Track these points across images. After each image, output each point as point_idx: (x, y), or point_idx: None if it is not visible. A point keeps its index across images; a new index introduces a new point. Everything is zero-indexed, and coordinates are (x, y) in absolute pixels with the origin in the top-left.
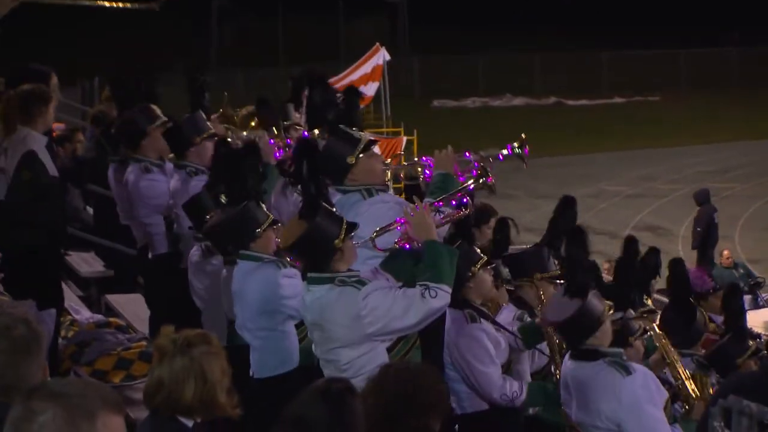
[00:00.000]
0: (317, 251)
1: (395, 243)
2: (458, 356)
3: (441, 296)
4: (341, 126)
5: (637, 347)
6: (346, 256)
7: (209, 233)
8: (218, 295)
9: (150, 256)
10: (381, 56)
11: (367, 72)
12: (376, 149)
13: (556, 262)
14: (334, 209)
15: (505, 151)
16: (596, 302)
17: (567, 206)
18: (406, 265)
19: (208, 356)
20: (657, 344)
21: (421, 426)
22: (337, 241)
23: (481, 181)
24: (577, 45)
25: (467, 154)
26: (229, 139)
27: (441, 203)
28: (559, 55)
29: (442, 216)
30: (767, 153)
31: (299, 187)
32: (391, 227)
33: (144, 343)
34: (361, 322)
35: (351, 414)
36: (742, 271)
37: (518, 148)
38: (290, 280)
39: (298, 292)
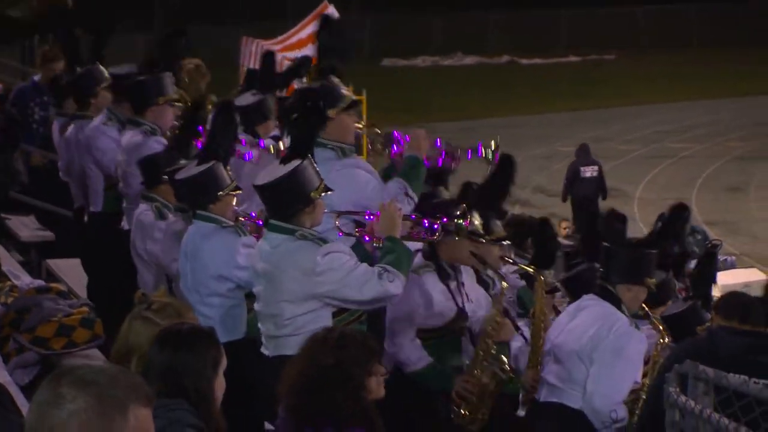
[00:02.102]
0: (290, 197)
1: (356, 231)
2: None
3: (397, 284)
4: (332, 76)
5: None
6: (316, 213)
7: (177, 185)
8: (163, 257)
9: (86, 217)
10: (329, 14)
11: (315, 30)
12: None
13: (499, 223)
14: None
15: (475, 152)
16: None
17: (506, 166)
18: (360, 250)
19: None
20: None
21: (350, 395)
22: (313, 193)
23: (459, 221)
24: (531, 3)
25: (438, 141)
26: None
27: (414, 217)
28: (512, 14)
29: (409, 231)
30: (726, 112)
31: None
32: (359, 214)
33: (86, 309)
34: (313, 278)
35: (194, 356)
36: (699, 236)
37: (491, 151)
38: (248, 250)
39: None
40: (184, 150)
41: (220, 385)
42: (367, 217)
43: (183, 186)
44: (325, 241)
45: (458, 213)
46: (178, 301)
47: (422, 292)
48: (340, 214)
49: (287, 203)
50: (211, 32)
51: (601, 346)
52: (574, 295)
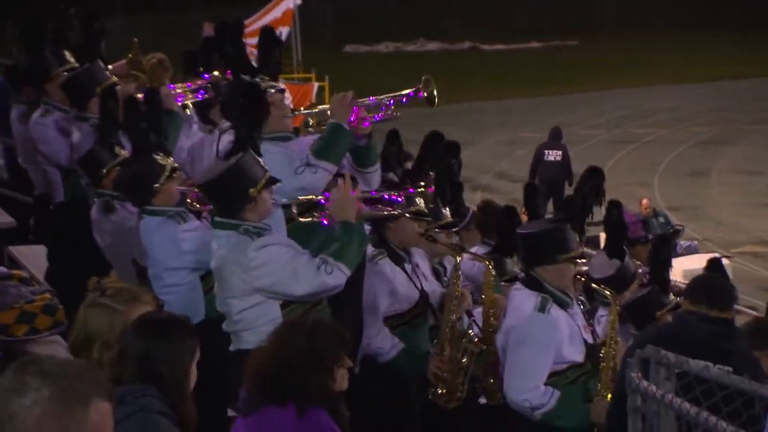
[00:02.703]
0: (230, 194)
1: (315, 215)
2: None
3: (336, 275)
4: (242, 75)
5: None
6: (259, 207)
7: (117, 188)
8: (122, 249)
9: (51, 206)
10: (292, 0)
11: (278, 16)
12: (288, 96)
13: (446, 211)
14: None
15: (408, 92)
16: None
17: (449, 152)
18: (315, 237)
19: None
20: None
21: (319, 378)
22: (252, 190)
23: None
24: None
25: (371, 98)
26: (117, 87)
27: (374, 193)
28: (474, 0)
29: (372, 208)
30: (689, 98)
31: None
32: (314, 199)
33: (48, 295)
34: (249, 273)
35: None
36: (662, 220)
37: (424, 90)
38: (191, 234)
39: (199, 244)
40: (107, 140)
41: (193, 374)
42: (323, 201)
43: (121, 188)
44: (260, 234)
45: (421, 183)
46: (134, 285)
47: (383, 280)
48: (296, 202)
49: (228, 202)
50: (173, 20)
51: (510, 339)
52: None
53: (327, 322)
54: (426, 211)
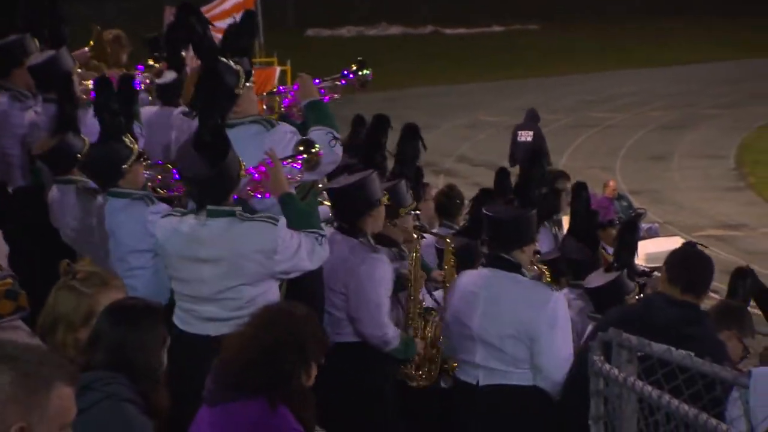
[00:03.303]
0: (225, 184)
1: (248, 191)
2: (355, 282)
3: (326, 245)
4: (220, 57)
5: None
6: (237, 188)
7: (83, 168)
8: (87, 235)
9: (10, 190)
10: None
11: (240, 0)
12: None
13: (412, 194)
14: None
15: (347, 77)
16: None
17: (410, 135)
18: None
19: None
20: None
21: (295, 371)
22: (241, 173)
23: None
24: None
25: (316, 80)
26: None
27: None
28: None
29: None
30: (649, 82)
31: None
32: (245, 174)
33: (10, 280)
34: (273, 258)
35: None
36: (625, 203)
37: (358, 70)
38: (158, 217)
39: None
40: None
41: (163, 362)
42: (255, 175)
43: (87, 168)
44: (275, 219)
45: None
46: (104, 269)
47: (387, 270)
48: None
49: (222, 191)
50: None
51: (536, 323)
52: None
53: (309, 313)
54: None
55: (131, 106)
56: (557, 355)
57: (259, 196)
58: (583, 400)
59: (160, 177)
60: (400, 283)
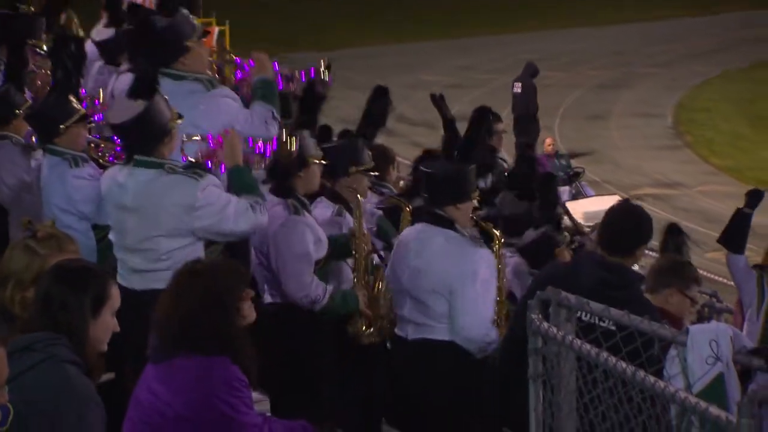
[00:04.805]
0: (150, 132)
1: (199, 155)
2: (273, 246)
3: (265, 213)
4: (182, 8)
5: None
6: (172, 142)
7: (27, 118)
8: (23, 191)
9: None
10: None
11: None
12: None
13: (370, 153)
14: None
15: (308, 73)
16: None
17: (379, 96)
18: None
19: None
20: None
21: (223, 324)
22: (171, 123)
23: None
24: None
25: (275, 65)
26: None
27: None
28: None
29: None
30: (585, 42)
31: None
32: (202, 139)
33: None
34: (192, 213)
35: (85, 294)
36: (564, 162)
37: (323, 72)
38: (79, 181)
39: (87, 194)
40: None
41: (104, 325)
42: (210, 144)
43: (29, 120)
44: (201, 174)
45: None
46: (63, 233)
47: (311, 229)
48: (185, 139)
49: (148, 138)
50: None
51: (454, 277)
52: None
53: (222, 263)
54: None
55: (80, 67)
56: (473, 311)
57: (210, 164)
58: (520, 358)
59: (102, 145)
60: (344, 242)
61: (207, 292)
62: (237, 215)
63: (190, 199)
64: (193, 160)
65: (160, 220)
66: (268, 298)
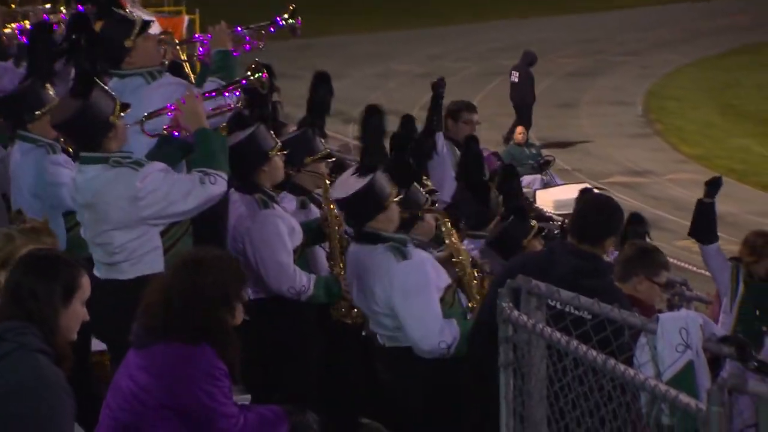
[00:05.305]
0: (90, 128)
1: (164, 129)
2: (249, 243)
3: (220, 183)
4: (113, 8)
5: (428, 221)
6: (119, 135)
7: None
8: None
9: None
10: None
11: None
12: (156, 27)
13: (323, 141)
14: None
15: (276, 25)
16: (383, 183)
17: (320, 82)
18: (175, 154)
19: None
20: (446, 241)
21: (220, 319)
22: (112, 118)
23: (256, 76)
24: None
25: (239, 28)
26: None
27: (214, 93)
28: None
29: (212, 107)
30: (554, 30)
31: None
32: (162, 112)
33: None
34: (137, 204)
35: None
36: (534, 150)
37: (289, 18)
38: (57, 168)
39: (65, 181)
40: None
41: (74, 314)
42: (169, 114)
43: (2, 103)
44: (140, 163)
45: (254, 68)
46: (49, 229)
47: (284, 220)
48: (142, 122)
49: (89, 137)
50: None
51: (389, 297)
52: None
53: (227, 256)
54: (328, 152)
55: (47, 54)
56: (419, 326)
57: (177, 134)
58: (490, 347)
59: None
60: (316, 227)
61: (195, 285)
62: (186, 194)
63: (131, 190)
64: (165, 133)
65: (108, 214)
66: (251, 295)
